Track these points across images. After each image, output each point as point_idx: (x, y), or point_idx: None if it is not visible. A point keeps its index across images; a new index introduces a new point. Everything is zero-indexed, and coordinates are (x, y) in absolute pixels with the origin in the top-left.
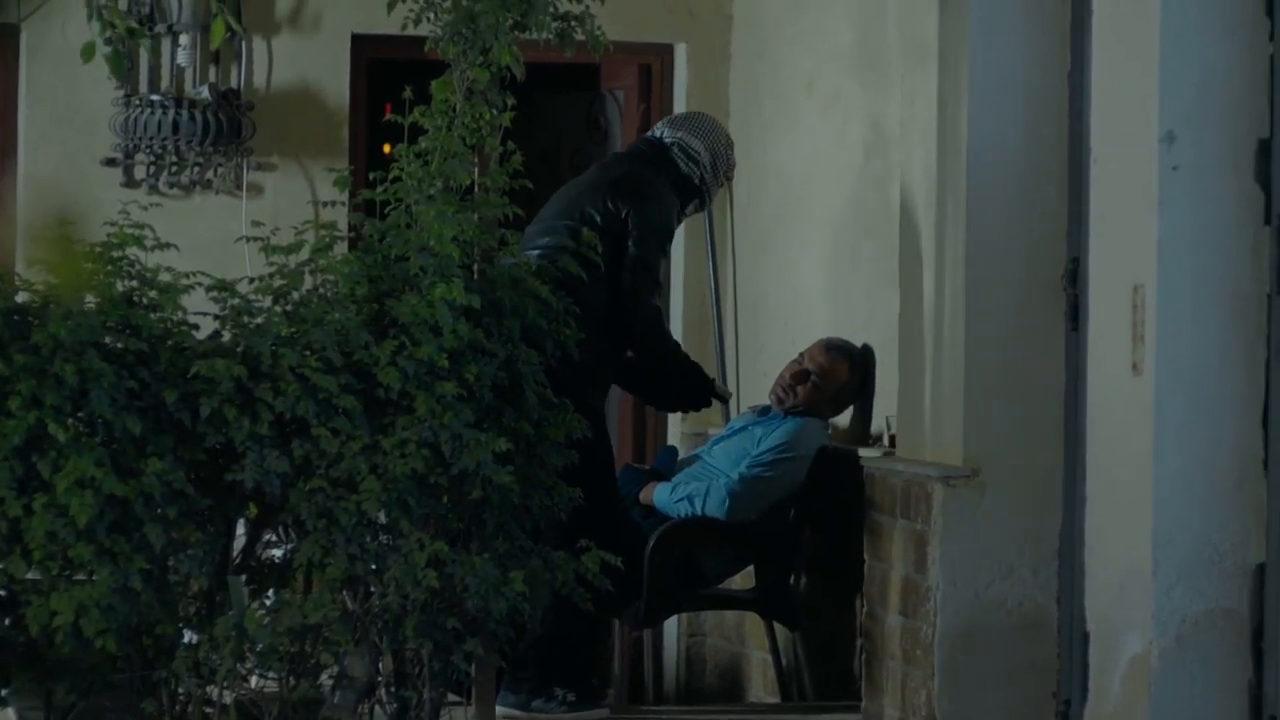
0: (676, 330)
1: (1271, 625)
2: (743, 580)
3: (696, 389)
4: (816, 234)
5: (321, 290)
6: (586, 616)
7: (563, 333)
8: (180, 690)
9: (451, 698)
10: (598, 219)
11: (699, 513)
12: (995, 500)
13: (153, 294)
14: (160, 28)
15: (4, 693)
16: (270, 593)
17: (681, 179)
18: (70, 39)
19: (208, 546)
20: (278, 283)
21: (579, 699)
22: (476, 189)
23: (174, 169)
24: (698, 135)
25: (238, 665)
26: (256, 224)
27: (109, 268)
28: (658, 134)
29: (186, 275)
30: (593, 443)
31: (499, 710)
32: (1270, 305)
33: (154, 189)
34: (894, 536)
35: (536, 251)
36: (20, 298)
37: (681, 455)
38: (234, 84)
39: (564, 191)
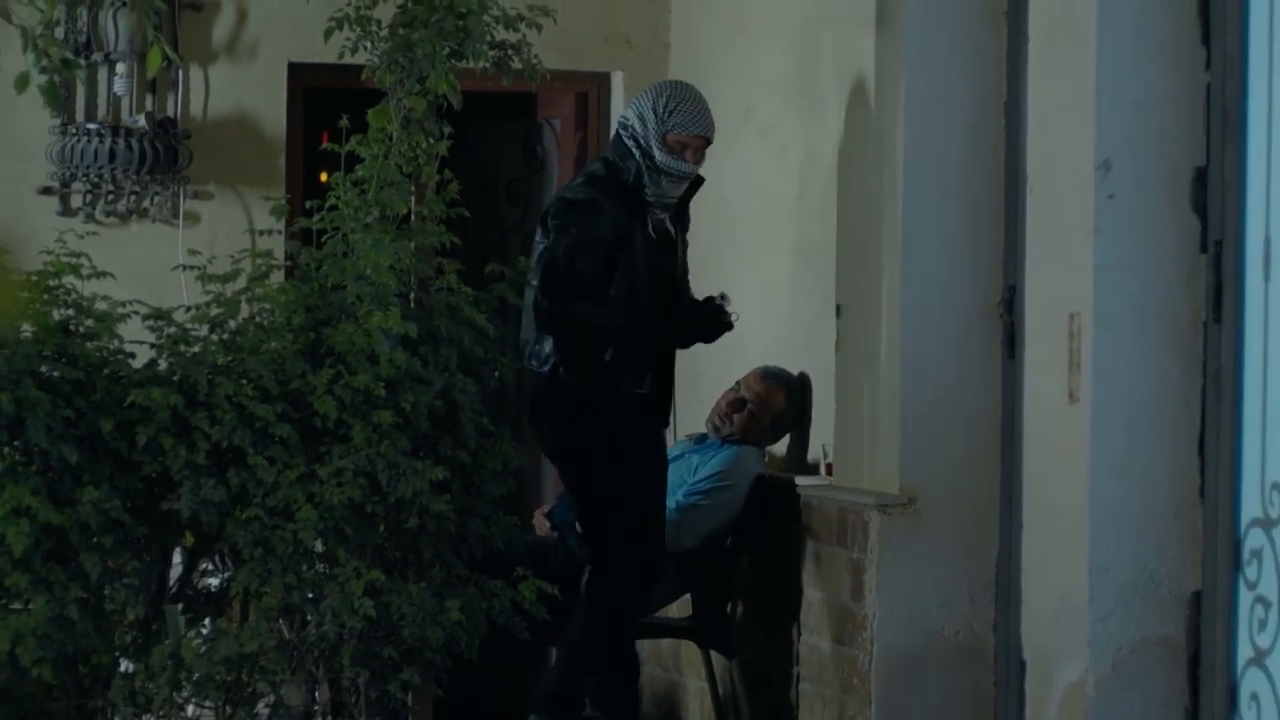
0: None
1: (1208, 653)
2: (680, 609)
3: (694, 329)
4: (754, 261)
5: (258, 319)
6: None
7: (500, 361)
8: (116, 719)
9: None
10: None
11: None
12: (932, 528)
13: (89, 323)
14: (97, 56)
15: None
16: (206, 622)
17: (621, 157)
18: (5, 68)
19: (144, 575)
20: (214, 311)
21: None
22: (413, 217)
23: (110, 198)
24: (632, 105)
25: (174, 694)
26: (193, 253)
27: (45, 296)
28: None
29: (123, 304)
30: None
31: None
32: (1206, 333)
33: (90, 218)
34: (831, 565)
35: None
36: None
37: None
38: (170, 113)
39: None
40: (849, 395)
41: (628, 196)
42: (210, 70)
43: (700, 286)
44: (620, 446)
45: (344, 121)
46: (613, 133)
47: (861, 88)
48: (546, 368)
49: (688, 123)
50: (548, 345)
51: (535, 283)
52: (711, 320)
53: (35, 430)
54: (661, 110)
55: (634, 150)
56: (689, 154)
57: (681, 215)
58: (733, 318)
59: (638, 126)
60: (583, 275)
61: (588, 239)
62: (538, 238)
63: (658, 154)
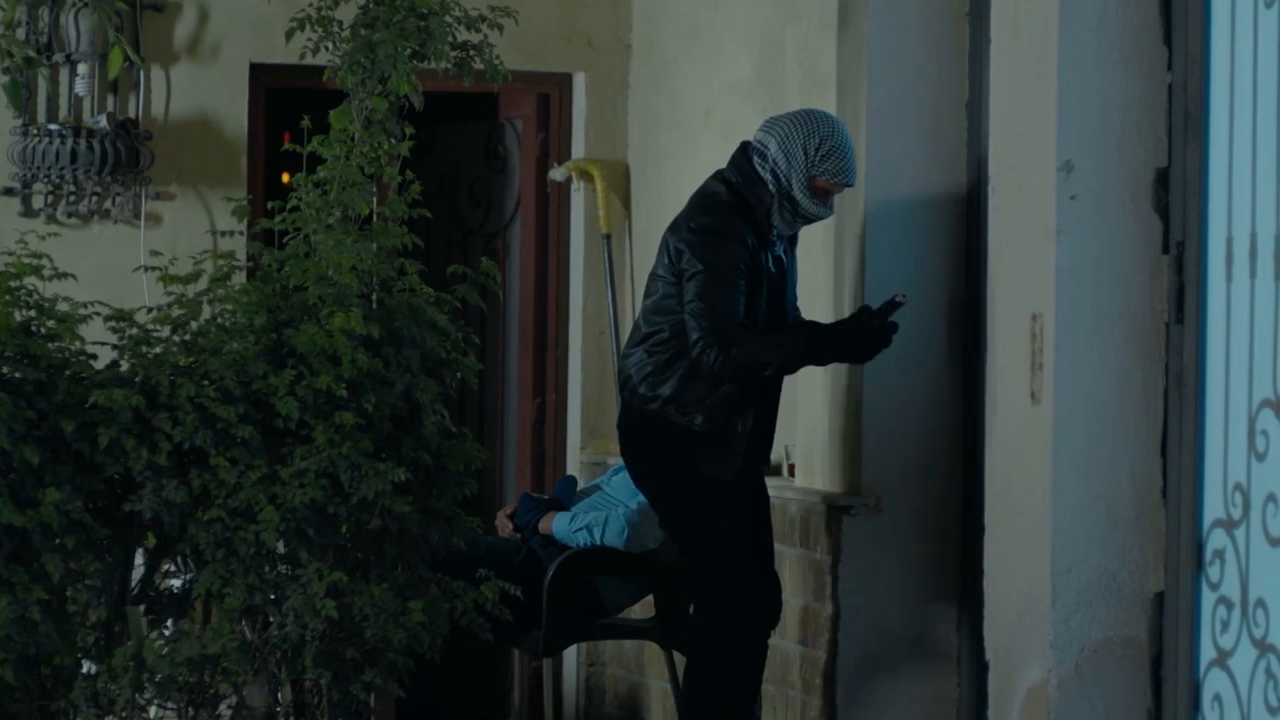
0: (575, 360)
1: (1170, 654)
2: (642, 610)
3: (849, 351)
4: None
5: (220, 320)
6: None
7: (462, 363)
8: None
9: None
10: (670, 268)
11: (598, 542)
12: (894, 529)
13: (51, 324)
14: (58, 57)
15: None
16: (169, 623)
17: (752, 184)
18: None
19: (106, 577)
20: (176, 312)
21: None
22: (375, 218)
23: (72, 198)
24: (773, 134)
25: (136, 696)
26: (155, 253)
27: (7, 297)
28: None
29: (85, 305)
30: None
31: None
32: (1169, 334)
33: (52, 218)
34: (794, 565)
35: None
36: None
37: (581, 485)
38: (132, 113)
39: None
40: (811, 395)
41: (757, 224)
42: (172, 71)
43: None
44: (723, 491)
45: (306, 122)
46: (748, 143)
47: (823, 89)
48: (655, 405)
49: (839, 171)
50: (665, 387)
51: (695, 333)
52: (880, 332)
53: None
54: (814, 152)
55: (769, 182)
56: (829, 198)
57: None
58: (899, 297)
59: (780, 160)
60: (734, 311)
61: (729, 271)
62: (663, 265)
63: (799, 195)
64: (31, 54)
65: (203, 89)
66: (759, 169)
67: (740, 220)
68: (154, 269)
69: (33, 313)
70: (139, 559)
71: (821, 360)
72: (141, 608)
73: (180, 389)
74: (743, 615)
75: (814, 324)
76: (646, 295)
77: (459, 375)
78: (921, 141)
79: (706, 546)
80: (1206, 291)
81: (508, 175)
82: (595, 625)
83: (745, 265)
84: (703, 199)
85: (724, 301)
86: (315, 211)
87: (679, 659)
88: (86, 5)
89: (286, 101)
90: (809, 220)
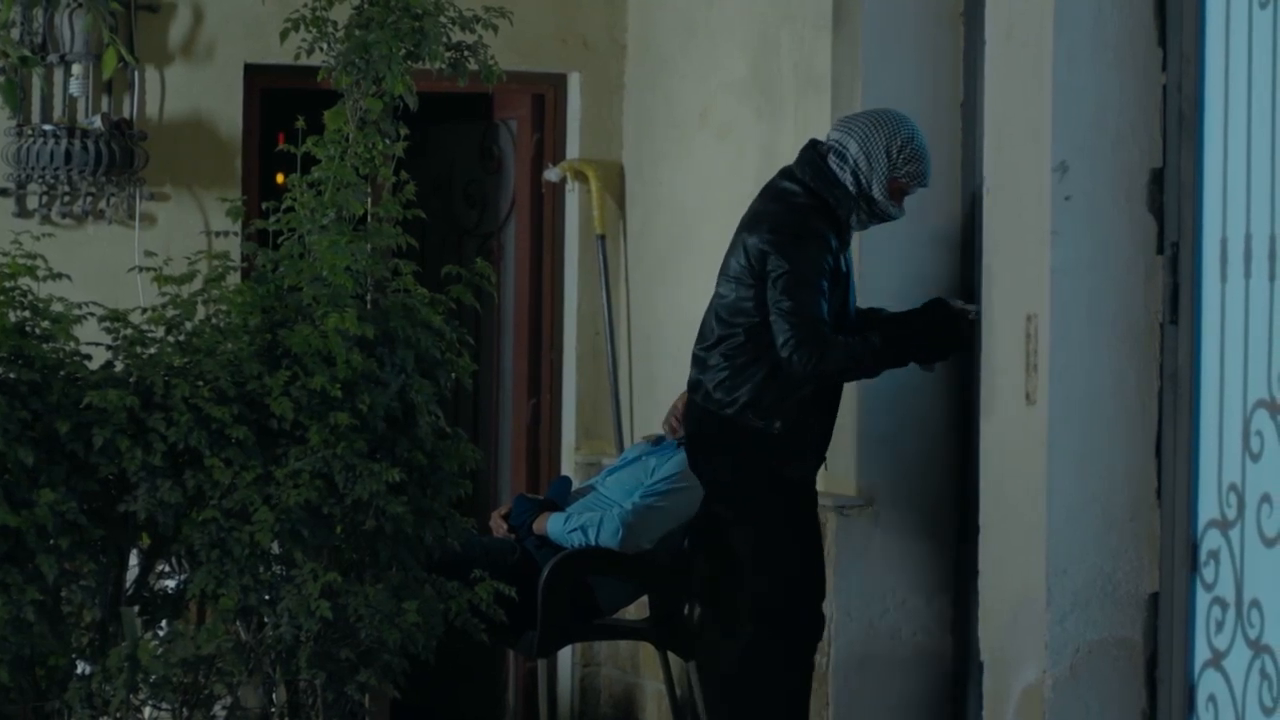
0: (569, 361)
1: (1165, 654)
2: (637, 610)
3: (930, 346)
4: (710, 264)
5: (214, 320)
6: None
7: (457, 363)
8: None
9: None
10: (748, 269)
11: (593, 543)
12: (889, 530)
13: (45, 324)
14: (53, 57)
15: None
16: (163, 624)
17: (830, 185)
18: None
19: (100, 577)
20: (170, 313)
21: None
22: (369, 219)
23: (66, 199)
24: (853, 134)
25: (131, 696)
26: (149, 254)
27: (1, 298)
28: (824, 136)
29: (79, 305)
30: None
31: None
32: (1163, 334)
33: (46, 219)
34: None
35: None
36: None
37: (575, 485)
38: (127, 114)
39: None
40: None
41: (839, 226)
42: (166, 71)
43: (657, 290)
44: (798, 494)
45: (300, 123)
46: (822, 142)
47: (818, 89)
48: (732, 410)
49: (920, 173)
50: (743, 391)
51: (783, 335)
52: (953, 323)
53: None
54: (895, 155)
55: (848, 183)
56: (903, 198)
57: None
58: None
59: (861, 162)
60: (820, 312)
61: (815, 273)
62: (737, 265)
63: (878, 196)
64: (26, 54)
65: (197, 89)
66: (837, 170)
67: (822, 221)
68: (149, 270)
69: (27, 313)
70: (133, 560)
71: (903, 359)
72: (136, 608)
73: (175, 389)
74: (790, 624)
75: (894, 318)
76: (718, 297)
77: (454, 376)
78: None
79: (772, 550)
80: (1201, 292)
81: (502, 176)
82: (590, 626)
83: (829, 267)
84: (778, 198)
85: (811, 303)
86: (310, 212)
87: (674, 660)
88: (81, 6)
89: (281, 102)
90: (883, 220)
